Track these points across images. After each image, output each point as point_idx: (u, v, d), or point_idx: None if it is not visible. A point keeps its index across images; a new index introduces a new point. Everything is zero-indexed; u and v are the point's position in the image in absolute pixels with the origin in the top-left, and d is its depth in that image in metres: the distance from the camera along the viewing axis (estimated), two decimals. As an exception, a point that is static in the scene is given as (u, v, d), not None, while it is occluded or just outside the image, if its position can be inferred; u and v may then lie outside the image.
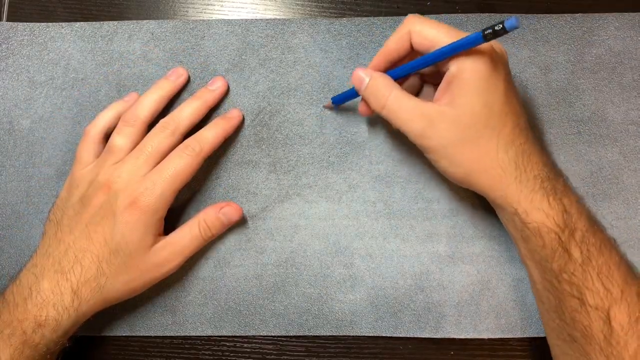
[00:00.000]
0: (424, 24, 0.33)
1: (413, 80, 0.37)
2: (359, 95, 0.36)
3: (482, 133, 0.32)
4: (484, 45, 0.31)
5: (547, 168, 0.33)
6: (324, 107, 0.41)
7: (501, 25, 0.28)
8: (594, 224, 0.32)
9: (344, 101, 0.39)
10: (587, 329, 0.30)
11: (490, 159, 0.32)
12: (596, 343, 0.30)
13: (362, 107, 0.37)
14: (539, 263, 0.32)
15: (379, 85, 0.34)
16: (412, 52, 0.34)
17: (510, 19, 0.27)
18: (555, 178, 0.33)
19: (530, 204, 0.32)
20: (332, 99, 0.40)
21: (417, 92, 0.38)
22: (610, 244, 0.32)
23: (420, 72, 0.37)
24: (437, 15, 0.41)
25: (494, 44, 0.33)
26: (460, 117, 0.32)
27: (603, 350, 0.29)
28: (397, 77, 0.35)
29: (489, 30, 0.28)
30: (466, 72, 0.31)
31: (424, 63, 0.33)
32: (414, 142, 0.34)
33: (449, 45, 0.31)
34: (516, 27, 0.27)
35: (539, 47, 0.41)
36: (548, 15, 0.41)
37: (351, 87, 0.37)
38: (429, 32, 0.32)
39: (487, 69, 0.31)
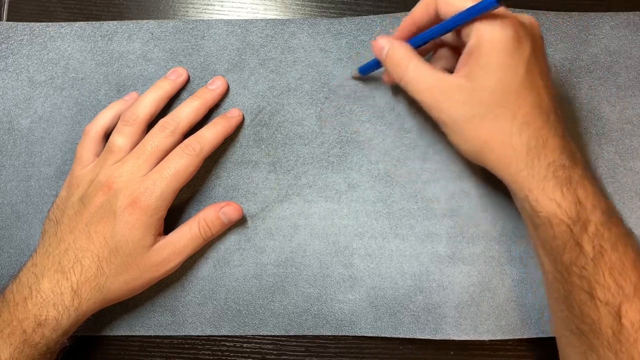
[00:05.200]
0: None
1: (444, 53, 0.36)
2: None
3: (496, 111, 0.30)
4: (507, 17, 0.29)
5: (565, 155, 0.31)
6: (352, 77, 0.40)
7: None
8: (611, 218, 0.31)
9: (369, 71, 0.39)
10: (596, 323, 0.29)
11: (502, 139, 0.31)
12: (604, 338, 0.29)
13: (385, 76, 0.37)
14: (550, 253, 0.31)
15: (398, 54, 0.33)
16: (438, 20, 0.33)
17: None
18: (572, 166, 0.31)
19: (542, 192, 0.30)
20: (358, 68, 0.39)
21: (452, 66, 0.36)
22: (626, 240, 0.30)
23: (452, 45, 0.36)
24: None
25: (522, 15, 0.31)
26: (475, 91, 0.30)
27: (612, 345, 0.29)
28: (417, 44, 0.34)
29: None
30: (484, 44, 0.30)
31: (442, 29, 0.32)
32: (428, 113, 0.33)
33: (465, 10, 0.30)
34: None
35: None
36: (545, 12, 0.41)
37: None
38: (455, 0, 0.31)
39: (507, 42, 0.29)
